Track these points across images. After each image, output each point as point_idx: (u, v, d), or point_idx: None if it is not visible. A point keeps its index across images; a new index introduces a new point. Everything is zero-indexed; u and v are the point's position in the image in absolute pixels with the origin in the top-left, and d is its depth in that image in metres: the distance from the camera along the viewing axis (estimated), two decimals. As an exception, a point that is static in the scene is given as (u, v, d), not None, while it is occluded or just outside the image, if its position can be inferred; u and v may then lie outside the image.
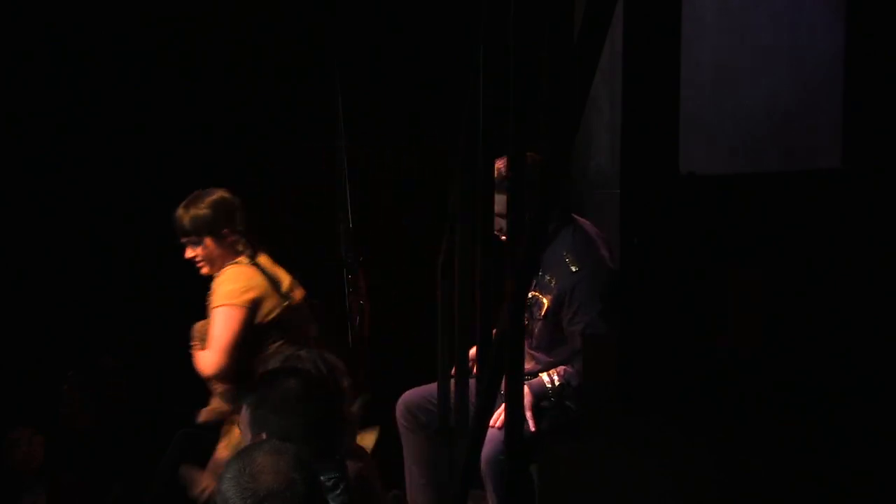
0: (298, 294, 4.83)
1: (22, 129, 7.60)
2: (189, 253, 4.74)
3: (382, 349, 6.68)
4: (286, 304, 4.69)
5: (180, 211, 4.72)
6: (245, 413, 3.26)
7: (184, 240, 4.72)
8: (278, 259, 4.94)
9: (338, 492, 3.30)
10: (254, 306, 4.60)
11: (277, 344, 4.65)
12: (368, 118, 7.45)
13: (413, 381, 4.32)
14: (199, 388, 4.81)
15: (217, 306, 4.59)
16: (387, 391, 4.75)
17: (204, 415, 4.81)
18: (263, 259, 4.79)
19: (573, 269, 3.81)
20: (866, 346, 2.61)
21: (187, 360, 5.03)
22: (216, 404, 4.78)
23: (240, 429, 3.31)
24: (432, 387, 4.25)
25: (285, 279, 4.81)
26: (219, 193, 4.75)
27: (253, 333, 4.61)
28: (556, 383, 3.81)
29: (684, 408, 2.90)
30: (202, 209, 4.70)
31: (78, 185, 7.54)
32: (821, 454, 2.61)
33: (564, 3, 2.49)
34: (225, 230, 4.71)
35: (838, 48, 2.91)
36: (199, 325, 4.73)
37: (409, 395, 4.28)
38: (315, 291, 6.29)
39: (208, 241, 4.70)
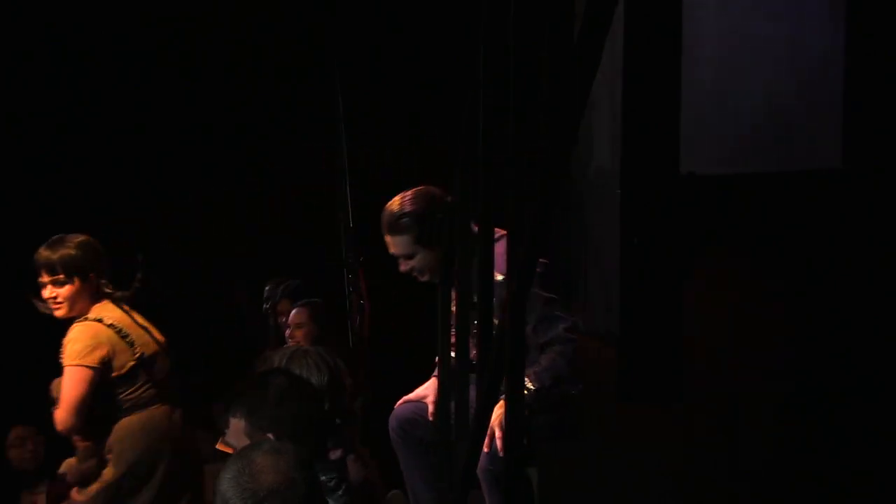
0: (158, 336, 4.78)
1: (22, 129, 7.60)
2: (49, 292, 4.62)
3: (382, 349, 6.68)
4: (140, 353, 4.64)
5: (44, 251, 4.62)
6: (237, 422, 3.23)
7: (46, 279, 4.61)
8: (280, 259, 4.94)
9: (340, 492, 3.30)
10: (103, 365, 4.56)
11: (144, 388, 4.63)
12: (368, 118, 7.45)
13: (413, 380, 4.31)
14: (198, 387, 4.80)
15: (67, 365, 4.55)
16: (387, 391, 4.74)
17: (64, 466, 4.84)
18: (121, 309, 4.71)
19: (499, 278, 3.61)
20: (866, 346, 2.60)
21: (186, 359, 5.03)
22: (76, 461, 4.79)
23: (228, 443, 3.27)
24: (423, 401, 4.19)
25: (140, 325, 4.74)
26: (83, 237, 4.68)
27: (108, 387, 4.59)
28: (532, 388, 3.69)
29: (684, 407, 2.89)
30: (71, 250, 4.60)
31: (78, 185, 7.54)
32: (821, 454, 2.61)
33: (564, 3, 2.49)
34: (91, 273, 4.64)
35: (838, 48, 2.91)
36: (55, 383, 4.69)
37: (401, 410, 4.21)
38: (315, 291, 6.31)
39: (76, 282, 4.61)
